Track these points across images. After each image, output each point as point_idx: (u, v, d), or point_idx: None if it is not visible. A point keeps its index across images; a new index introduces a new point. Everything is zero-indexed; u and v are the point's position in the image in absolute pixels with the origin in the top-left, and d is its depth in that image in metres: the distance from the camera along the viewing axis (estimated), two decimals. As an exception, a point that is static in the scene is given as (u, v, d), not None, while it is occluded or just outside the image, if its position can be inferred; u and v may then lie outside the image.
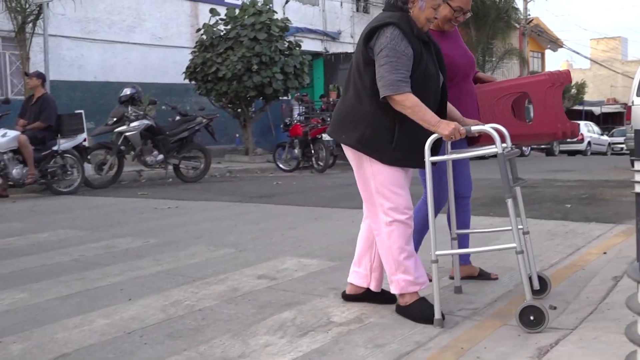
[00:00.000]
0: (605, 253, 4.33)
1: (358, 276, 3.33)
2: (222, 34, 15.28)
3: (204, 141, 12.62)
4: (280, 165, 13.90)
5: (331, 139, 13.40)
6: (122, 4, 16.30)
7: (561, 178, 10.57)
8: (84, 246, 5.17)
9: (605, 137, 29.40)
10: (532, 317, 2.79)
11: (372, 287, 3.29)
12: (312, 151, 13.58)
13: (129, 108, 10.48)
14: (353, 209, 7.05)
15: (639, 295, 0.87)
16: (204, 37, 15.38)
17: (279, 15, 16.03)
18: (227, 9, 15.72)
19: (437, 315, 2.94)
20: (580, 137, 26.32)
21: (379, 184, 3.06)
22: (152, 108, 12.07)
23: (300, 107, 17.48)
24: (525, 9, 29.55)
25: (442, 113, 3.12)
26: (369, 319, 3.09)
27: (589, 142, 26.94)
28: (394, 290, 3.12)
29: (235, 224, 6.20)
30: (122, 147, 10.44)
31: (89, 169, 10.18)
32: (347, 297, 3.39)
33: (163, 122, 11.63)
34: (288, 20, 16.07)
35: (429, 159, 2.93)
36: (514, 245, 2.88)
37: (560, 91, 3.41)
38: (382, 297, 3.31)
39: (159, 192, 9.61)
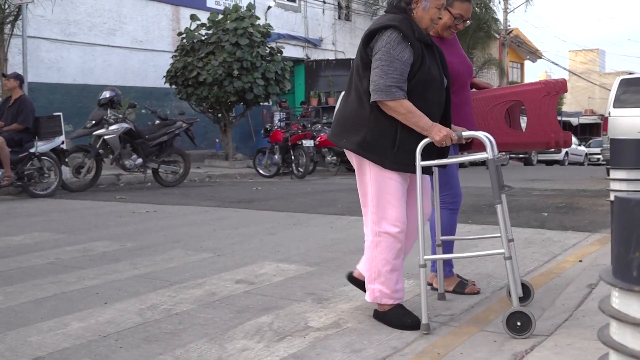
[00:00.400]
0: (580, 261, 4.38)
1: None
2: (203, 38, 15.25)
3: (184, 146, 12.58)
4: (260, 171, 13.88)
5: (310, 145, 13.67)
6: (102, 6, 16.19)
7: (539, 187, 10.67)
8: (60, 249, 5.11)
9: (582, 148, 29.76)
10: (518, 323, 2.81)
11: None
12: (293, 157, 13.58)
13: (108, 111, 10.40)
14: (332, 215, 7.06)
15: (612, 298, 0.88)
16: (185, 41, 15.34)
17: (260, 21, 16.03)
18: (209, 14, 15.70)
19: (424, 320, 2.93)
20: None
21: (376, 190, 3.00)
22: (131, 111, 12.00)
23: (281, 113, 17.48)
24: (506, 20, 29.87)
25: (447, 118, 3.10)
26: (347, 324, 3.09)
27: (567, 152, 27.25)
28: (367, 297, 3.12)
29: (214, 228, 6.18)
30: (101, 151, 10.35)
31: (66, 172, 10.08)
32: (351, 279, 3.40)
33: (143, 126, 11.56)
34: (270, 26, 16.08)
35: (419, 163, 2.91)
36: (502, 251, 2.90)
37: (555, 100, 3.41)
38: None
39: (138, 196, 9.53)
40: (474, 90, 3.71)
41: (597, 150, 25.80)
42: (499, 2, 28.02)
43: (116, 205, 8.28)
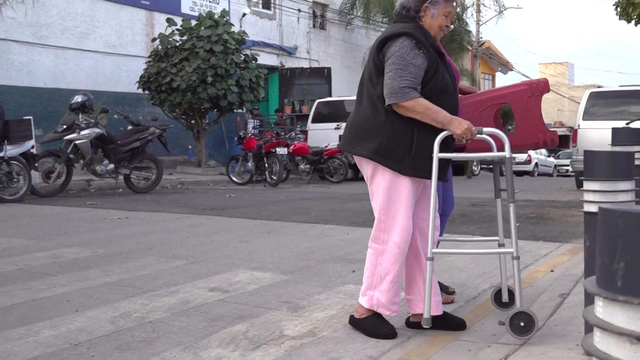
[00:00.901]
0: (552, 271, 4.44)
1: (413, 303, 3.12)
2: (177, 44, 15.18)
3: (156, 152, 12.47)
4: (233, 178, 13.82)
5: (284, 153, 13.66)
6: (75, 10, 16.03)
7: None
8: (30, 255, 5.03)
9: (551, 159, 30.23)
10: (522, 324, 2.84)
11: (434, 312, 3.01)
12: (266, 165, 13.55)
13: (80, 116, 10.27)
14: (306, 223, 7.06)
15: (596, 307, 0.89)
16: (159, 46, 15.26)
17: (235, 28, 16.01)
18: (183, 20, 15.63)
19: (427, 315, 2.91)
20: (528, 158, 27.02)
21: (387, 198, 2.96)
22: (103, 116, 11.86)
23: (255, 121, 17.46)
24: (478, 32, 30.23)
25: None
26: (322, 333, 3.08)
27: (536, 164, 27.66)
28: (364, 302, 3.04)
29: (186, 236, 6.13)
30: (71, 156, 10.21)
31: (36, 176, 9.93)
32: (412, 325, 3.14)
33: (115, 132, 11.44)
34: (245, 33, 16.07)
35: (437, 155, 2.91)
36: (511, 250, 2.96)
37: (539, 100, 3.44)
38: (451, 321, 3.11)
39: (109, 202, 9.42)
40: (460, 95, 3.73)
41: (567, 161, 26.22)
42: (472, 15, 28.38)
43: (87, 211, 8.17)
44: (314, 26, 24.40)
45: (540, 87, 3.44)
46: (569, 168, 21.94)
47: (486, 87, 36.20)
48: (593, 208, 2.51)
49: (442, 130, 2.91)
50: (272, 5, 22.73)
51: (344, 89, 22.36)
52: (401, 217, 2.95)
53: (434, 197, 2.94)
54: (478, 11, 28.40)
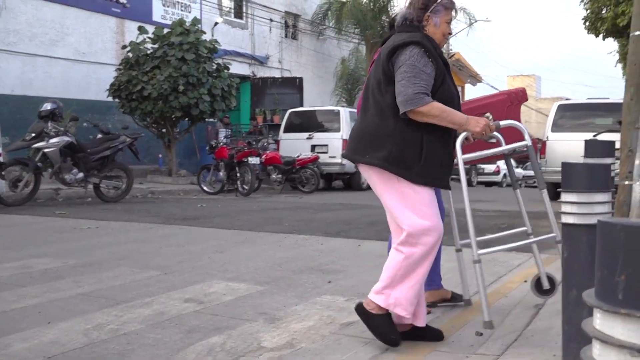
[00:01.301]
0: (525, 281, 4.47)
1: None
2: (149, 52, 15.06)
3: (126, 160, 12.33)
4: (204, 188, 13.71)
5: (256, 162, 13.61)
6: (45, 16, 15.82)
7: (481, 208, 10.89)
8: (-2, 266, 4.91)
9: (519, 170, 30.60)
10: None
11: (418, 323, 3.04)
12: (238, 174, 13.48)
13: (49, 124, 10.12)
14: (279, 234, 7.03)
15: (595, 320, 0.90)
16: (130, 54, 15.11)
17: (207, 37, 15.95)
18: (155, 28, 15.52)
19: (487, 318, 3.05)
20: (497, 169, 27.36)
21: (410, 203, 2.89)
22: (73, 124, 11.72)
23: (227, 130, 17.39)
24: (448, 44, 30.62)
25: (454, 135, 3.07)
26: (300, 344, 3.06)
27: (505, 175, 27.98)
28: (379, 301, 2.93)
29: (160, 246, 6.05)
30: (40, 164, 10.04)
31: (2, 185, 9.73)
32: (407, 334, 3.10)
33: (84, 140, 11.29)
34: (217, 42, 16.01)
35: (461, 157, 2.94)
36: (554, 234, 3.10)
37: (518, 109, 3.51)
38: (430, 333, 3.10)
39: (78, 211, 9.27)
40: None
41: (531, 172, 26.58)
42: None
43: (56, 221, 8.03)
44: (286, 36, 24.45)
45: (519, 97, 3.53)
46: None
47: (456, 98, 36.54)
48: (571, 219, 2.54)
49: (449, 136, 2.94)
50: (244, 14, 22.73)
51: (316, 99, 22.43)
52: (429, 218, 2.88)
53: (467, 201, 3.09)
54: (448, 23, 28.71)
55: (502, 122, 3.04)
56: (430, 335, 3.10)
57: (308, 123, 16.15)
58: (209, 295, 4.05)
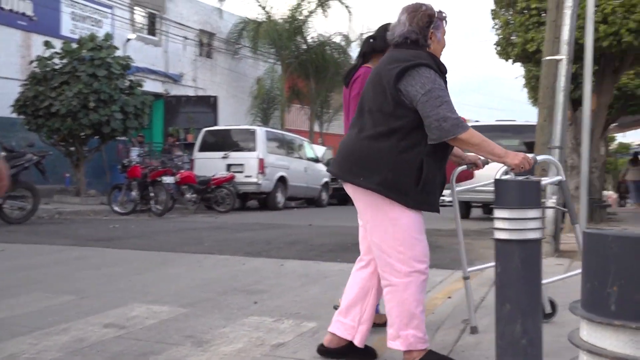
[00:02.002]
0: (449, 297, 4.55)
1: (343, 327, 3.03)
2: (57, 67, 14.48)
3: (30, 180, 11.74)
4: (115, 208, 13.21)
5: (171, 182, 13.28)
6: (-57, 27, 14.96)
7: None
8: None
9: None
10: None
11: (357, 342, 3.00)
12: (152, 194, 13.11)
13: (-53, 140, 9.51)
14: (199, 254, 6.86)
15: (582, 332, 0.88)
16: (37, 69, 14.48)
17: (120, 53, 15.52)
18: (63, 42, 14.95)
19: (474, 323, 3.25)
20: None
21: (401, 230, 2.80)
22: (-27, 141, 11.06)
23: (140, 149, 16.92)
24: (360, 66, 31.22)
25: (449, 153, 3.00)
26: (232, 368, 2.96)
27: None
28: (399, 346, 2.86)
29: (74, 269, 5.76)
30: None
31: None
32: (326, 352, 3.06)
33: (-14, 158, 10.66)
34: (130, 58, 15.61)
35: (454, 189, 3.34)
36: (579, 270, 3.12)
37: None
38: (365, 354, 3.06)
39: (-20, 233, 8.73)
40: None
41: (446, 192, 27.31)
42: (358, 48, 29.28)
43: (-44, 244, 7.52)
44: (200, 54, 24.18)
45: None
46: (449, 198, 22.87)
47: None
48: (503, 235, 2.59)
49: (445, 161, 2.89)
50: (157, 31, 22.33)
51: (230, 117, 22.27)
52: (419, 244, 2.84)
53: (458, 223, 3.32)
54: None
55: (539, 157, 3.07)
56: (363, 352, 3.08)
57: (223, 142, 15.97)
58: (131, 319, 3.87)
